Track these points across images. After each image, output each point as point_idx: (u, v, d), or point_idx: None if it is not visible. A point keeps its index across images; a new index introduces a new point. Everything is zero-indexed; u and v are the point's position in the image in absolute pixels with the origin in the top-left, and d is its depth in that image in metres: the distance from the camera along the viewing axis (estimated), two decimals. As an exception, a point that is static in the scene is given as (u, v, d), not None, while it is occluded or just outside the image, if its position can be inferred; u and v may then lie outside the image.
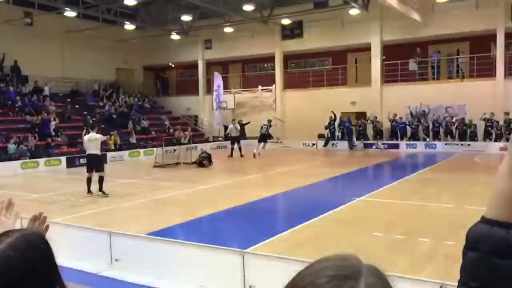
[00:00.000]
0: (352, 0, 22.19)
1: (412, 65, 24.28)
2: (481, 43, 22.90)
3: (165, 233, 7.31)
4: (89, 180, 11.39)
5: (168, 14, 26.29)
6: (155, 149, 20.27)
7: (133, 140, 23.89)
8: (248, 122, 24.25)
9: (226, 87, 29.21)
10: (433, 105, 23.18)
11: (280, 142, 26.67)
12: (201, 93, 30.66)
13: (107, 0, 23.11)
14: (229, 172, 17.45)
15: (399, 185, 12.48)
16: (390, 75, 24.77)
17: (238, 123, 22.33)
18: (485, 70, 22.54)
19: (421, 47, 24.22)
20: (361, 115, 24.97)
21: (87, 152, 11.61)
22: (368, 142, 24.32)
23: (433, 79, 24.19)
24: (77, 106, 26.09)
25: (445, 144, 22.52)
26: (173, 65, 33.06)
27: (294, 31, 26.23)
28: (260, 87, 28.22)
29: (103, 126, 24.20)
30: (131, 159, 21.56)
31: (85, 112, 25.35)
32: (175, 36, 28.71)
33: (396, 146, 23.43)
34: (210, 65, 30.62)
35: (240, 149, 21.32)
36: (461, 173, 15.69)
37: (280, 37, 26.94)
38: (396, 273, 4.45)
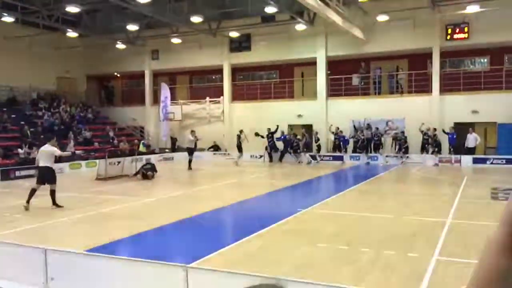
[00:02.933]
0: (298, 15, 22.80)
1: (356, 80, 25.15)
2: (418, 61, 24.17)
3: (105, 249, 7.03)
4: (33, 191, 10.99)
5: (113, 22, 25.69)
6: (97, 161, 19.55)
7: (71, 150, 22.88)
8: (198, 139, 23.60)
9: (173, 98, 28.98)
10: (375, 118, 24.01)
11: (228, 154, 26.65)
12: (147, 104, 30.19)
13: (49, 7, 22.22)
14: (175, 184, 17.16)
15: (343, 197, 12.80)
16: (335, 89, 25.52)
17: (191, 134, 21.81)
18: (422, 86, 23.80)
19: (365, 62, 25.17)
20: (307, 128, 25.41)
21: (39, 165, 11.24)
22: (313, 154, 24.65)
23: (375, 94, 25.17)
24: (13, 116, 24.73)
25: (386, 156, 23.30)
26: (118, 75, 32.26)
27: (242, 44, 26.47)
28: (208, 99, 28.19)
29: (42, 136, 23.13)
30: (72, 171, 20.64)
31: (22, 122, 24.05)
32: (120, 45, 28.11)
33: (341, 158, 24.01)
34: (157, 76, 30.24)
35: (190, 161, 21.03)
36: (400, 185, 16.37)
37: (228, 49, 27.13)
38: (338, 284, 4.53)
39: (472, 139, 21.54)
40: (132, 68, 30.15)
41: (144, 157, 22.64)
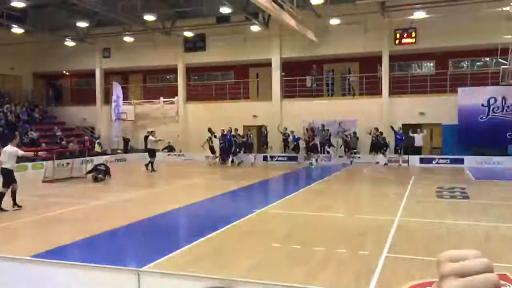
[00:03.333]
0: (253, 17, 22.90)
1: (309, 82, 25.56)
2: (369, 64, 24.84)
3: (54, 254, 6.75)
4: (1, 195, 10.76)
5: (61, 19, 24.74)
6: (45, 162, 18.74)
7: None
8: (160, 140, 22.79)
9: (126, 97, 28.37)
10: (328, 119, 24.40)
11: (183, 155, 26.35)
12: (98, 104, 29.25)
13: (-9, 1, 21.09)
14: (127, 186, 16.69)
15: (296, 197, 12.93)
16: (290, 90, 25.75)
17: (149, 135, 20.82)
18: (373, 88, 24.47)
19: (317, 65, 25.64)
20: (262, 129, 25.50)
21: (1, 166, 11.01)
22: (268, 155, 24.75)
23: (328, 95, 25.69)
24: (-48, 115, 23.27)
25: (339, 156, 23.72)
26: (67, 73, 31.11)
27: (197, 44, 26.21)
28: (162, 99, 27.72)
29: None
30: (17, 173, 19.64)
31: (-38, 122, 22.69)
32: (70, 43, 27.14)
33: (295, 159, 24.11)
34: (109, 75, 29.34)
35: (150, 163, 20.12)
36: (351, 184, 16.77)
37: (183, 49, 26.68)
38: (292, 283, 4.58)
39: (419, 139, 22.42)
40: (82, 67, 29.11)
41: (99, 157, 21.85)
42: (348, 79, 25.45)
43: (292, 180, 18.82)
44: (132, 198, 12.97)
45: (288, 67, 25.83)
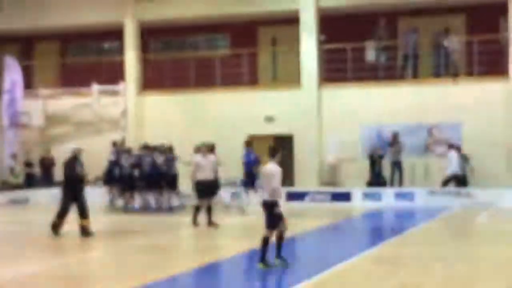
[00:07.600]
0: None
1: (371, 53, 16.71)
2: (484, 16, 16.07)
3: None
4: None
5: None
6: None
7: None
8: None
9: (28, 84, 20.13)
10: (407, 122, 15.89)
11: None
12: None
13: None
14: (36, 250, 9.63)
15: (347, 271, 7.42)
16: (333, 70, 17.29)
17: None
18: (492, 63, 15.62)
19: (387, 20, 16.98)
20: (285, 141, 16.04)
21: None
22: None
23: (408, 77, 17.03)
24: None
25: (431, 192, 14.90)
26: None
27: (157, -15, 18.57)
28: (95, 87, 19.12)
29: None
30: None
31: None
32: None
33: (346, 197, 15.43)
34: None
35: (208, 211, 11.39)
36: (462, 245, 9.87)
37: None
38: None
39: None
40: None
41: None
42: (445, 45, 16.18)
43: (339, 238, 12.27)
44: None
45: (331, 25, 17.45)
